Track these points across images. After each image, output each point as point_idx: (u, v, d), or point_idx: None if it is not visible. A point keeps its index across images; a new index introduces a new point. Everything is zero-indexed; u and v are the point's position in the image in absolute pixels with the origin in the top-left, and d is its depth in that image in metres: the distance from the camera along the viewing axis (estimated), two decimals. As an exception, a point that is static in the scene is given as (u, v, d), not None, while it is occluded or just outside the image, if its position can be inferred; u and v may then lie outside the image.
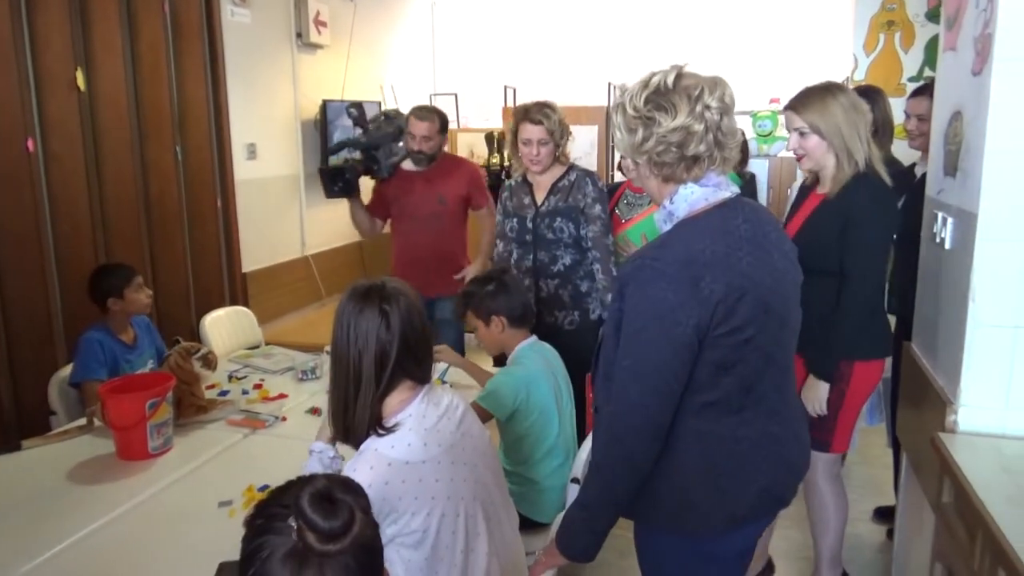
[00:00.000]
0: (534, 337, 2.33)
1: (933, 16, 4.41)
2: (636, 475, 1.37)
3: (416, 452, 1.41)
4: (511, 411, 2.13)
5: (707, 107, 1.36)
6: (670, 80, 1.37)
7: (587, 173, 2.81)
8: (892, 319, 3.10)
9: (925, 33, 4.47)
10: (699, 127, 1.36)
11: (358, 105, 3.58)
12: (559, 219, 2.75)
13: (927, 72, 4.49)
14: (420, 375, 1.51)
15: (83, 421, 2.30)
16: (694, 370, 1.34)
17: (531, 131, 2.71)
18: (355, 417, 1.44)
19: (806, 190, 2.28)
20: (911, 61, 4.54)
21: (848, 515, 2.41)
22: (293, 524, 0.83)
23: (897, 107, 4.26)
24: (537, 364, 2.22)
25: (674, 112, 1.36)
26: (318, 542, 0.82)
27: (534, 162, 2.74)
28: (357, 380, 1.43)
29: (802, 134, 2.09)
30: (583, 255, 2.77)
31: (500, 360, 3.27)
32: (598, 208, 2.74)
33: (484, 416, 2.13)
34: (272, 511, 0.85)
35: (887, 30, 4.53)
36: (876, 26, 4.55)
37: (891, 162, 3.08)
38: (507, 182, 2.96)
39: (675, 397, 1.34)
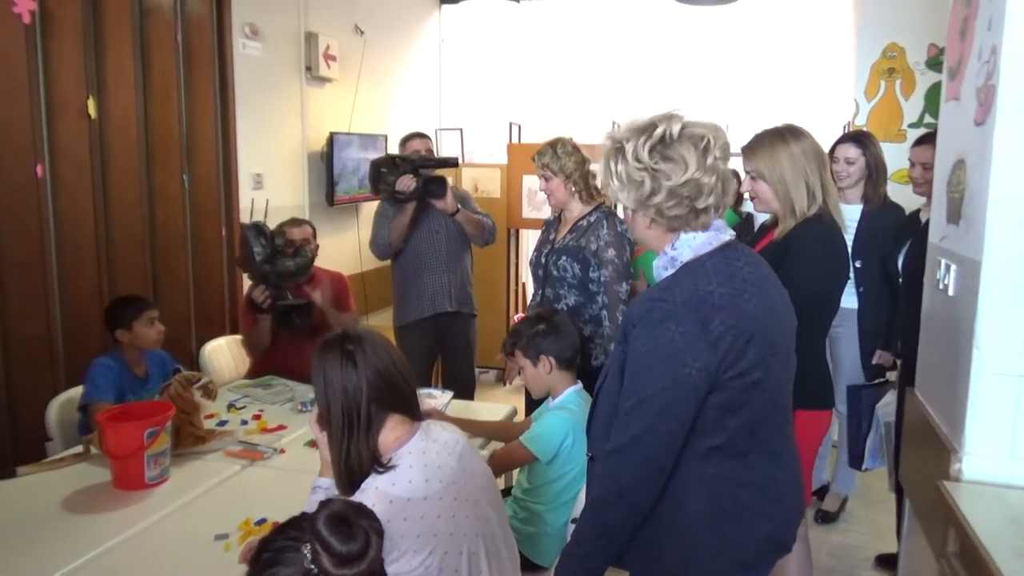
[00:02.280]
0: (580, 384, 2.30)
1: (933, 65, 4.48)
2: (631, 515, 1.35)
3: (418, 488, 1.40)
4: (554, 455, 2.11)
5: (716, 157, 1.36)
6: (675, 129, 1.35)
7: (609, 215, 2.78)
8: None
9: (925, 81, 4.53)
10: (709, 179, 1.36)
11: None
12: (564, 258, 2.75)
13: (927, 119, 4.55)
14: (407, 409, 1.51)
15: (79, 449, 2.28)
16: (700, 413, 1.33)
17: (537, 171, 2.82)
18: (354, 461, 1.44)
19: (765, 229, 2.29)
20: (911, 108, 4.59)
21: (848, 563, 2.39)
22: (306, 552, 0.82)
23: (896, 152, 4.33)
24: (586, 413, 2.15)
25: (684, 164, 1.34)
26: (335, 566, 0.81)
27: (547, 196, 2.84)
28: (342, 426, 1.45)
29: (753, 178, 2.11)
30: (589, 298, 2.74)
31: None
32: (611, 252, 2.69)
33: (526, 458, 2.11)
34: (280, 544, 0.84)
35: (888, 77, 4.60)
36: (877, 73, 4.62)
37: (887, 206, 3.12)
38: (548, 217, 3.05)
39: (677, 439, 1.33)
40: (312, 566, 0.81)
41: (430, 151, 3.53)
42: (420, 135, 3.60)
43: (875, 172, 3.08)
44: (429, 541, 1.38)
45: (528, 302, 3.12)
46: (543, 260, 2.84)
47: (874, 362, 3.06)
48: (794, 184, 2.06)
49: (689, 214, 1.38)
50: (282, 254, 2.95)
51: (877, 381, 2.97)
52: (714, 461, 1.36)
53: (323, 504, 0.87)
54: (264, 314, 3.00)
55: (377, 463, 1.44)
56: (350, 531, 0.83)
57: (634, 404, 1.33)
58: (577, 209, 2.83)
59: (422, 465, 1.43)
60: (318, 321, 3.10)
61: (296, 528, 0.85)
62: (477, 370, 5.45)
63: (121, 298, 2.75)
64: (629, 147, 1.38)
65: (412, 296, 3.50)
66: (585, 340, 2.73)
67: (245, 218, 3.74)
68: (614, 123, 5.02)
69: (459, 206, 3.42)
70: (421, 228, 3.45)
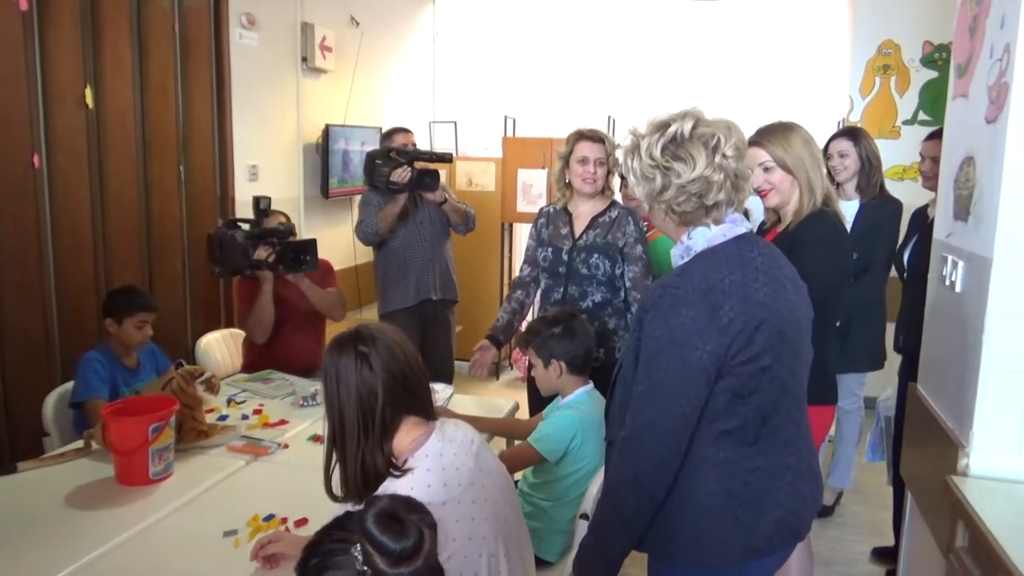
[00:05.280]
0: (591, 384, 2.28)
1: (928, 62, 4.52)
2: (646, 499, 1.37)
3: (436, 493, 1.37)
4: (563, 453, 2.10)
5: (724, 156, 1.41)
6: (687, 129, 1.40)
7: (629, 211, 2.74)
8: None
9: (920, 78, 4.57)
10: (718, 176, 1.40)
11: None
12: (596, 255, 2.66)
13: (921, 115, 4.59)
14: (422, 410, 1.48)
15: (80, 443, 2.24)
16: (711, 398, 1.36)
17: (589, 149, 2.66)
18: (369, 468, 1.40)
19: (763, 231, 2.27)
20: (906, 104, 4.63)
21: (845, 556, 2.40)
22: (357, 554, 0.79)
23: (890, 149, 4.36)
24: (595, 412, 2.14)
25: (692, 163, 1.40)
26: (389, 566, 0.78)
27: (588, 181, 2.66)
28: (357, 428, 1.40)
29: (767, 169, 2.10)
30: (614, 294, 2.70)
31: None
32: (640, 249, 2.66)
33: (534, 459, 2.10)
34: (327, 548, 0.82)
35: (883, 74, 4.62)
36: (872, 70, 4.64)
37: (886, 199, 3.14)
38: (544, 208, 2.90)
39: (689, 423, 1.35)
40: (365, 568, 0.78)
41: (414, 144, 3.66)
42: (404, 129, 3.75)
43: (867, 164, 3.12)
44: (448, 546, 1.35)
45: (510, 292, 2.96)
46: (564, 257, 2.72)
47: None
48: (814, 169, 2.08)
49: (699, 210, 1.43)
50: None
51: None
52: (725, 446, 1.39)
53: (369, 502, 0.84)
54: (270, 271, 2.97)
55: (393, 467, 1.41)
56: (402, 528, 0.80)
57: (646, 388, 1.36)
58: (592, 204, 2.74)
59: (440, 468, 1.41)
60: (309, 310, 3.13)
61: (341, 529, 0.82)
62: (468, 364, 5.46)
63: (124, 289, 2.70)
64: (644, 144, 1.44)
65: (399, 284, 3.60)
66: (609, 332, 2.69)
67: (242, 212, 3.70)
68: (610, 117, 5.01)
69: (446, 196, 3.57)
70: (408, 219, 3.57)
